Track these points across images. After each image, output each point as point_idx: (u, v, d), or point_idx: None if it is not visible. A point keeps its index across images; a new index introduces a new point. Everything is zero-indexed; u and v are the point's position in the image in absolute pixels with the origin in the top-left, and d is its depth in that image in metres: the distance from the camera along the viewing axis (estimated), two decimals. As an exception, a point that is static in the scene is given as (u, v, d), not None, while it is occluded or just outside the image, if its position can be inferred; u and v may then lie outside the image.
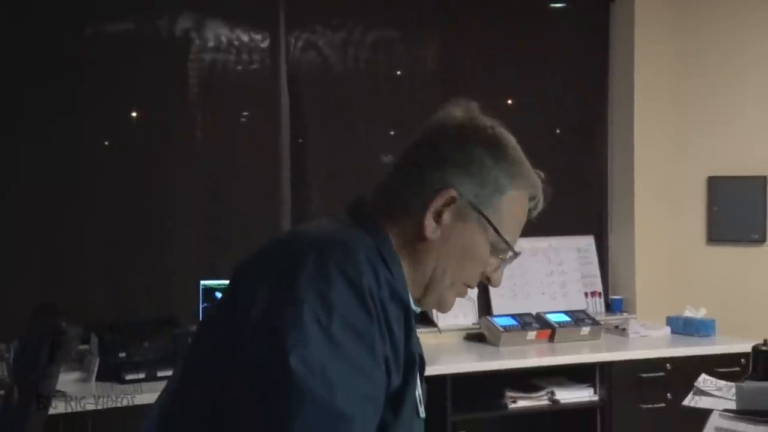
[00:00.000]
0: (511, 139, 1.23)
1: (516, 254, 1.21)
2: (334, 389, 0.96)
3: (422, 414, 1.16)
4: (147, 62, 3.75)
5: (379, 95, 4.17)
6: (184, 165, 3.86)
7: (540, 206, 1.25)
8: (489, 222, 1.16)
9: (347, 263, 1.03)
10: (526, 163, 1.23)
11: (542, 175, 1.26)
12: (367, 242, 1.10)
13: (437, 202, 1.14)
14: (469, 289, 1.22)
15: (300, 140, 4.04)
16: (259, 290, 1.03)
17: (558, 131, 4.54)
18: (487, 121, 1.22)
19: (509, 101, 4.42)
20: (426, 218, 1.13)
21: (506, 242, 1.18)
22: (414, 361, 1.10)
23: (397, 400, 1.07)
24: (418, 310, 1.19)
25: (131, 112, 3.80)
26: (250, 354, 0.99)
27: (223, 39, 3.91)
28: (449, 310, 1.22)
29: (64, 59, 3.62)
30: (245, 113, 4.05)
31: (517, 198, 1.19)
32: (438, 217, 1.14)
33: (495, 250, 1.19)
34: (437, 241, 1.14)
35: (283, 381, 0.95)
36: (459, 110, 1.22)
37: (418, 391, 1.14)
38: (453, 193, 1.14)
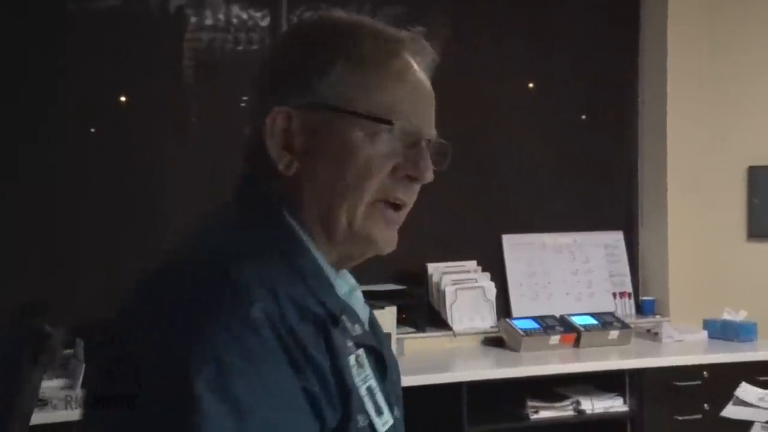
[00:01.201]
0: (337, 15, 1.05)
1: (410, 126, 1.01)
2: None
3: (397, 414, 1.04)
4: (138, 42, 3.73)
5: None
6: (179, 153, 3.84)
7: (423, 50, 1.05)
8: (334, 107, 0.99)
9: (231, 299, 0.88)
10: (358, 20, 1.04)
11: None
12: (260, 243, 0.96)
13: (270, 129, 0.99)
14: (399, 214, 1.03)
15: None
16: (144, 358, 0.88)
17: (583, 117, 4.51)
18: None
19: (530, 85, 4.37)
20: (272, 154, 1.00)
21: (373, 117, 0.99)
22: (349, 386, 0.95)
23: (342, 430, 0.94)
24: (345, 287, 1.03)
25: (120, 96, 3.78)
26: None
27: (221, 17, 3.89)
28: (391, 244, 1.04)
29: (47, 37, 3.59)
30: (245, 97, 4.02)
31: (365, 61, 1.00)
32: (288, 145, 1.00)
33: (377, 135, 0.99)
34: (303, 172, 1.00)
35: None
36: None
37: (377, 394, 1.00)
38: (280, 110, 1.00)
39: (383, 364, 1.04)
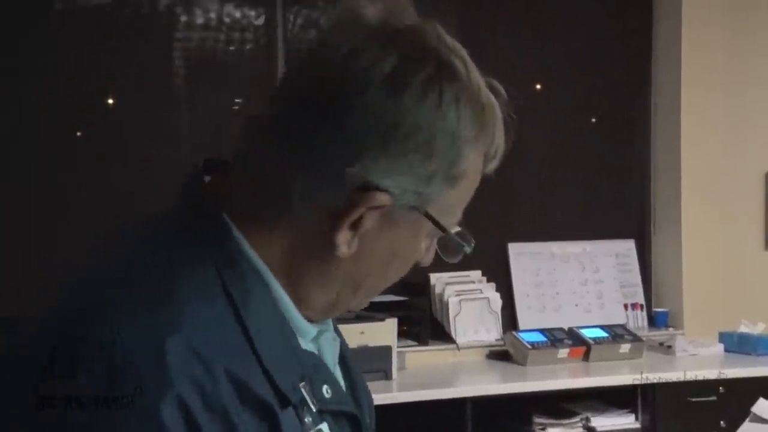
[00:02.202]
0: (462, 57, 0.93)
1: (467, 243, 0.95)
2: None
3: None
4: (126, 42, 3.74)
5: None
6: (168, 160, 3.84)
7: (500, 153, 0.95)
8: (435, 222, 0.90)
9: (147, 372, 0.75)
10: (485, 92, 0.92)
11: (498, 89, 0.95)
12: (200, 285, 0.83)
13: (354, 213, 0.85)
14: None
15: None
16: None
17: (593, 120, 4.52)
18: (418, 36, 0.89)
19: (538, 86, 4.38)
20: (338, 235, 0.86)
21: (454, 239, 0.94)
22: None
23: None
24: (314, 330, 0.93)
25: (107, 99, 3.79)
26: None
27: (213, 15, 3.90)
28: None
29: (30, 37, 3.61)
30: (237, 100, 4.03)
31: (475, 160, 0.91)
32: (356, 223, 0.86)
33: (432, 239, 0.95)
34: (351, 254, 0.88)
35: None
36: (370, 14, 0.87)
37: None
38: (380, 199, 0.85)
39: (357, 426, 0.96)
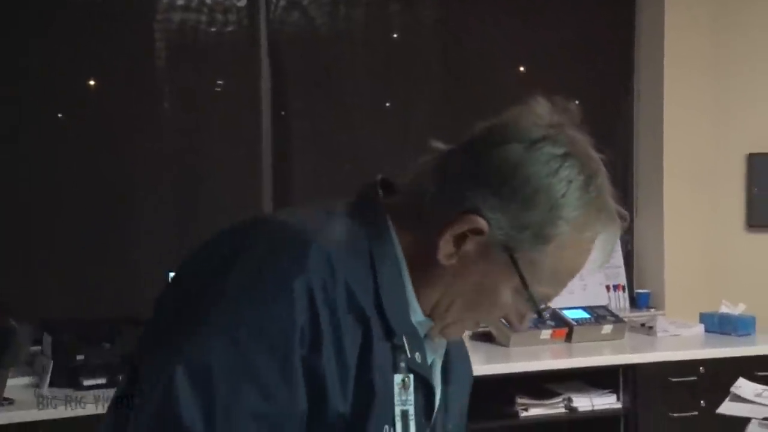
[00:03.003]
0: (596, 167, 1.14)
1: (540, 313, 1.15)
2: (215, 405, 0.99)
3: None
4: (106, 23, 3.72)
5: (373, 62, 4.13)
6: (150, 142, 3.83)
7: (609, 251, 1.14)
8: (518, 270, 1.09)
9: (292, 257, 1.04)
10: (605, 203, 1.14)
11: (626, 216, 1.16)
12: (351, 235, 1.09)
13: (457, 227, 1.08)
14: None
15: (282, 113, 4.02)
16: (193, 277, 1.10)
17: (576, 102, 4.51)
18: (570, 134, 1.13)
19: (521, 68, 4.39)
20: (441, 240, 1.09)
21: (533, 299, 1.12)
22: (372, 391, 1.06)
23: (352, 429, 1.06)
24: (422, 317, 1.14)
25: (88, 81, 3.77)
26: (152, 359, 1.06)
27: (194, -4, 3.88)
28: (455, 338, 1.22)
29: (8, 19, 3.58)
30: (219, 82, 4.02)
31: (571, 243, 1.10)
32: (459, 241, 1.09)
33: (520, 297, 1.13)
34: (450, 268, 1.10)
35: (166, 392, 1.00)
36: (543, 110, 1.14)
37: (411, 421, 1.12)
38: (480, 223, 1.08)
39: (431, 404, 1.15)
